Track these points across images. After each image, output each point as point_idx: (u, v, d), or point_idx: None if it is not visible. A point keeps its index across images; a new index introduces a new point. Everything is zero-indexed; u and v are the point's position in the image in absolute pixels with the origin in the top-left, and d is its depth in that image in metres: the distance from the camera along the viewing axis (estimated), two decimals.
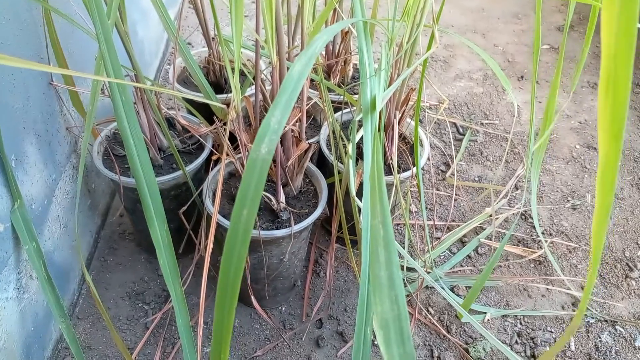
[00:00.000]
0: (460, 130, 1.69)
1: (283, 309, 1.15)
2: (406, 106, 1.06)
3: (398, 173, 1.09)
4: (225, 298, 0.46)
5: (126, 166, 1.06)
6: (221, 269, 0.46)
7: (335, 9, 1.10)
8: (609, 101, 0.37)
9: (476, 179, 1.52)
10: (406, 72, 0.88)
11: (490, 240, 1.33)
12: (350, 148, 0.84)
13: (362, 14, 0.66)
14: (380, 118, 0.98)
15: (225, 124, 1.00)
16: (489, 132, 1.68)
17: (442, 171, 1.53)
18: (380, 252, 0.48)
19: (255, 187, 0.43)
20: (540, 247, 1.32)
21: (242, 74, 1.27)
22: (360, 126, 0.99)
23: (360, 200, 0.92)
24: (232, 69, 0.78)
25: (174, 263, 0.75)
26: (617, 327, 1.17)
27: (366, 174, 0.61)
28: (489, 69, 1.98)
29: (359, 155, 1.13)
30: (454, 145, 1.62)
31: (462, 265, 1.27)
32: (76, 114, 1.09)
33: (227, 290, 0.46)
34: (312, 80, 1.22)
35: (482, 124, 1.72)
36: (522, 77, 1.95)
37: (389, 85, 0.93)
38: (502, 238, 1.35)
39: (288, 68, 0.88)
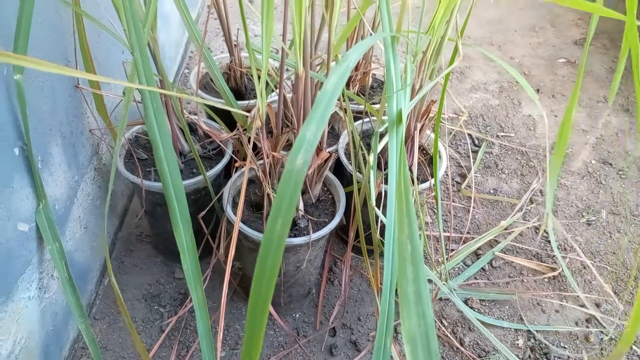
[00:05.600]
0: (476, 142, 1.69)
1: (297, 316, 1.15)
2: (426, 118, 1.07)
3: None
4: (258, 306, 0.46)
5: (147, 169, 1.07)
6: (254, 278, 0.46)
7: (360, 20, 1.11)
8: None
9: (491, 191, 1.52)
10: (429, 85, 0.89)
11: (505, 253, 1.32)
12: (372, 158, 0.84)
13: (390, 29, 0.67)
14: None
15: (245, 130, 1.01)
16: (505, 145, 1.68)
17: (457, 182, 1.53)
18: (407, 268, 0.49)
19: (290, 198, 0.44)
20: (555, 262, 1.32)
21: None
22: (381, 137, 1.00)
23: (379, 209, 0.92)
24: (259, 77, 0.79)
25: (197, 268, 0.76)
26: (632, 346, 1.16)
27: (391, 187, 0.62)
28: (505, 80, 1.98)
29: (377, 165, 1.14)
30: (469, 157, 1.62)
31: (476, 278, 1.27)
32: (99, 116, 1.10)
33: (259, 298, 0.46)
34: None
35: (497, 136, 1.72)
36: (538, 90, 1.95)
37: (411, 97, 0.94)
38: (516, 252, 1.34)
39: (311, 78, 0.89)
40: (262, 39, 0.70)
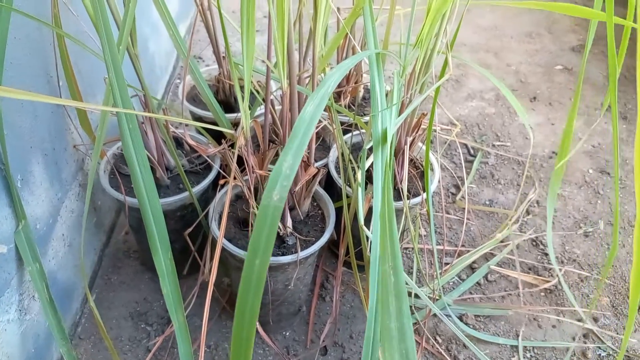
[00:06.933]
0: (471, 151, 1.66)
1: (287, 334, 1.12)
2: (417, 131, 1.04)
3: (408, 199, 1.07)
4: (241, 348, 0.44)
5: (132, 185, 1.05)
6: (235, 322, 0.44)
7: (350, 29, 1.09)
8: None
9: (487, 202, 1.50)
10: (418, 99, 0.87)
11: (501, 267, 1.30)
12: (360, 176, 0.82)
13: (375, 46, 0.65)
14: (390, 143, 0.96)
15: (232, 145, 0.99)
16: (501, 154, 1.66)
17: (452, 194, 1.51)
18: (390, 301, 0.46)
19: (268, 237, 0.41)
20: (552, 275, 1.30)
21: (251, 93, 1.26)
22: (370, 153, 0.97)
23: (368, 228, 0.90)
24: (241, 88, 0.76)
25: (178, 292, 0.74)
26: None
27: (376, 212, 0.59)
28: None
29: (368, 179, 1.11)
30: (465, 167, 1.60)
31: (471, 293, 1.24)
32: (84, 131, 1.08)
33: (242, 340, 0.44)
34: None
35: (493, 145, 1.69)
36: (534, 98, 1.93)
37: (401, 112, 0.91)
38: (512, 265, 1.32)
39: (298, 92, 0.87)
40: (244, 58, 0.68)
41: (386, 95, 0.80)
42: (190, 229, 1.01)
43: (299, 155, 0.43)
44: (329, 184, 1.19)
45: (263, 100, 1.06)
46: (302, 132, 0.44)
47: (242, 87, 0.79)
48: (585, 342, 1.17)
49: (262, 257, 0.40)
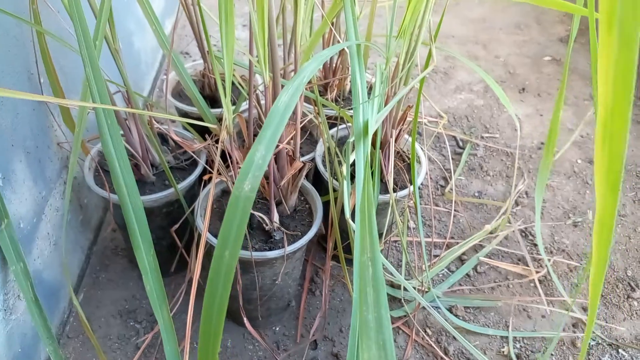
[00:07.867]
0: (460, 143, 1.66)
1: (277, 329, 1.12)
2: (403, 124, 1.04)
3: (395, 191, 1.07)
4: (209, 343, 0.44)
5: None
6: (203, 314, 0.44)
7: (333, 22, 1.08)
8: (605, 152, 0.35)
9: (476, 194, 1.50)
10: (402, 91, 0.86)
11: (490, 258, 1.30)
12: (345, 170, 0.82)
13: (356, 37, 0.64)
14: (376, 136, 0.96)
15: (217, 141, 0.98)
16: (490, 146, 1.66)
17: (441, 186, 1.51)
18: (368, 292, 0.46)
19: (238, 228, 0.41)
20: (541, 266, 1.30)
21: (237, 88, 1.25)
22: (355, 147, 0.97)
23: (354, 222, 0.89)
24: (224, 82, 0.76)
25: (161, 289, 0.73)
26: (619, 350, 1.14)
27: (357, 205, 0.59)
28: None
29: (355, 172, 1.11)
30: (453, 159, 1.60)
31: (460, 284, 1.25)
32: (68, 129, 1.07)
33: (210, 334, 0.44)
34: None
35: (482, 137, 1.69)
36: (523, 89, 1.93)
37: (385, 104, 0.91)
38: (502, 256, 1.32)
39: (283, 86, 0.86)
40: (223, 52, 0.67)
41: (371, 87, 0.79)
42: (177, 226, 1.00)
43: (272, 145, 0.42)
44: (317, 178, 1.19)
45: (248, 94, 1.06)
46: (275, 122, 0.43)
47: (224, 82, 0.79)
48: (574, 332, 1.17)
49: (231, 248, 0.40)
